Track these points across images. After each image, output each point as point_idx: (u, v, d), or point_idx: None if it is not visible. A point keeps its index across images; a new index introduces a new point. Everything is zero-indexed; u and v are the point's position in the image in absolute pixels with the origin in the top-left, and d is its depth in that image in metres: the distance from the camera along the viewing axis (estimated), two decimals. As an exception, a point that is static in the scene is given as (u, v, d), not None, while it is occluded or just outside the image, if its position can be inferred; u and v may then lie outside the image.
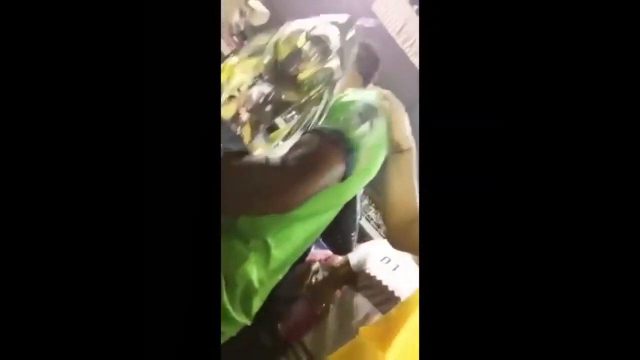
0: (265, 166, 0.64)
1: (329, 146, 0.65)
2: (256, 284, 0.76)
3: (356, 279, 0.98)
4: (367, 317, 0.87)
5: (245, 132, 0.62)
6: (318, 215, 0.79)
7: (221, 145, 0.62)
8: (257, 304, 0.78)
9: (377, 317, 0.84)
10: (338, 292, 0.96)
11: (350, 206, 0.89)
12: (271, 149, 0.64)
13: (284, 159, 0.63)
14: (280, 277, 0.81)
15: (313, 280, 1.17)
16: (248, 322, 0.77)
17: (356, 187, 0.82)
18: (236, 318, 0.76)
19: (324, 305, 1.04)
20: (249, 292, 0.76)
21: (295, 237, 0.78)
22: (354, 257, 1.03)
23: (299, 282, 1.17)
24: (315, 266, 1.15)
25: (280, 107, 0.63)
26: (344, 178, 0.68)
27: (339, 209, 0.84)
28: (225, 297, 0.75)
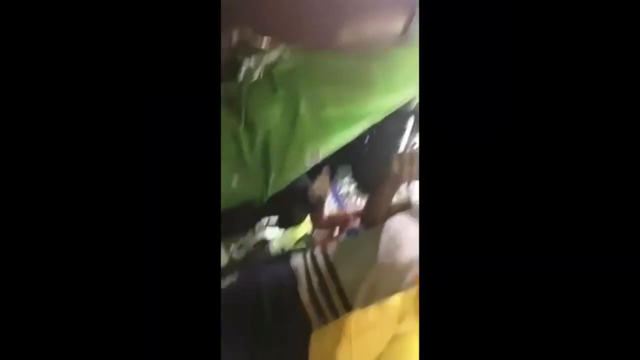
0: None
1: None
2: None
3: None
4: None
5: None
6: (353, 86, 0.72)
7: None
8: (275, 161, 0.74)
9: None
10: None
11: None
12: None
13: None
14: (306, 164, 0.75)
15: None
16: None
17: (400, 90, 0.76)
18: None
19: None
20: (267, 141, 0.71)
21: (328, 111, 0.73)
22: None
23: None
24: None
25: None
26: (400, 43, 0.60)
27: (377, 109, 0.77)
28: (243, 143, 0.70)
